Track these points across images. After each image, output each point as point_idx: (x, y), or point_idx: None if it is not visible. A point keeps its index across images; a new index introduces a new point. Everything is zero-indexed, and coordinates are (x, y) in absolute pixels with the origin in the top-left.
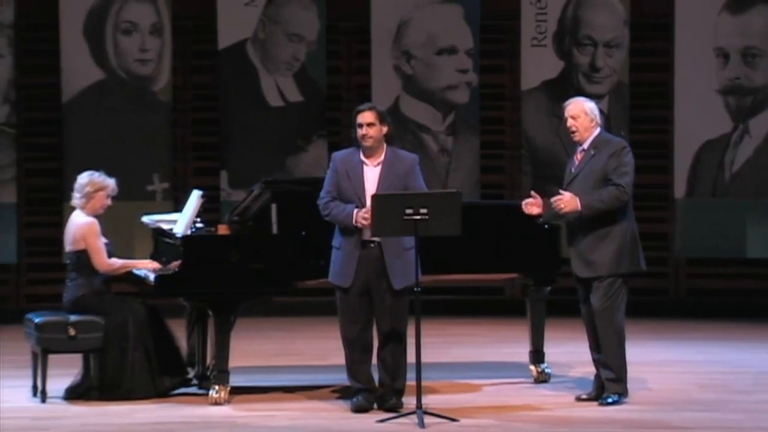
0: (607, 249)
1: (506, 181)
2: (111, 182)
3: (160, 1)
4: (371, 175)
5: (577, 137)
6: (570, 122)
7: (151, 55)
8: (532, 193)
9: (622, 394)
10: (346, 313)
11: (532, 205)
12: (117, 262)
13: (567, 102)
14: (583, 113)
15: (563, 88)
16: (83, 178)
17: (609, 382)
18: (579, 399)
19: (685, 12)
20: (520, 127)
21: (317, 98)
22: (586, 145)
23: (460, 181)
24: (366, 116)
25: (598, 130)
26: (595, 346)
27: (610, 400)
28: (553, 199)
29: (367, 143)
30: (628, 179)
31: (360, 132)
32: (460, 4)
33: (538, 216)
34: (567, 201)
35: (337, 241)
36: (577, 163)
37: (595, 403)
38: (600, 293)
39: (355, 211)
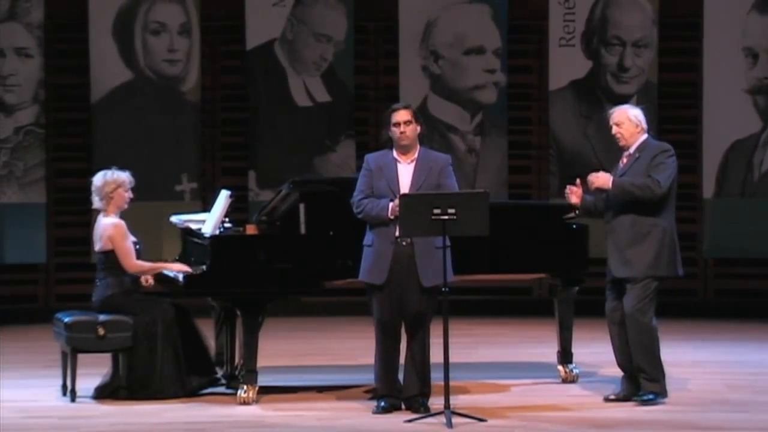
0: (645, 250)
1: (534, 181)
2: (125, 176)
3: (188, 2)
4: (405, 172)
5: (622, 143)
6: (615, 129)
7: (179, 56)
8: (578, 181)
9: (659, 393)
10: (380, 301)
11: (572, 193)
12: (146, 263)
13: (611, 110)
14: (627, 120)
15: (591, 88)
16: (98, 180)
17: (645, 381)
18: (607, 399)
19: (714, 12)
20: (548, 127)
21: (345, 98)
22: (632, 150)
23: (488, 181)
24: (403, 115)
25: (644, 136)
26: (620, 348)
27: (646, 397)
28: (590, 176)
29: (404, 142)
30: (665, 176)
31: (397, 131)
32: (487, 3)
33: (575, 206)
34: (600, 177)
35: (368, 239)
36: (621, 165)
37: (624, 403)
38: (633, 294)
39: (391, 203)
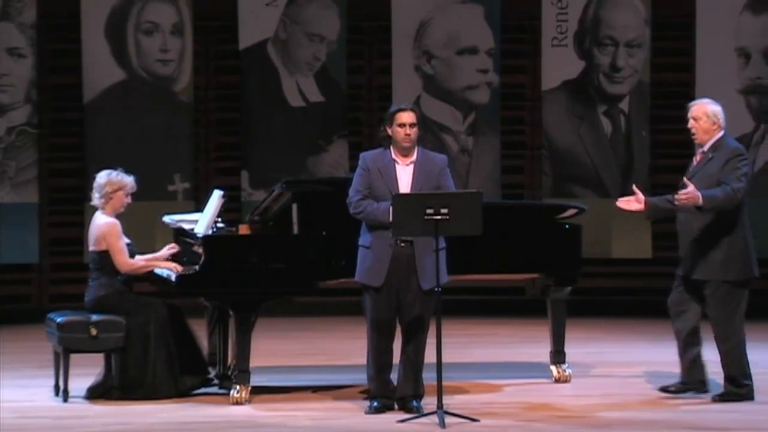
0: (717, 252)
1: (527, 181)
2: (129, 180)
3: (181, 2)
4: (404, 174)
5: (696, 139)
6: (691, 123)
7: (172, 56)
8: (634, 188)
9: (744, 396)
10: (377, 302)
11: (630, 202)
12: (138, 261)
13: (692, 103)
14: (705, 116)
15: (584, 88)
16: (101, 178)
17: (731, 387)
18: (663, 389)
19: (707, 12)
20: (541, 127)
21: (338, 98)
22: (706, 147)
23: (481, 181)
24: (410, 116)
25: (720, 134)
26: (685, 344)
27: (728, 397)
28: (678, 194)
29: (407, 144)
30: (741, 185)
31: (402, 131)
32: (481, 4)
33: (641, 212)
34: (690, 196)
35: (365, 239)
36: (695, 164)
37: (620, 403)
38: (714, 302)
39: (392, 207)
